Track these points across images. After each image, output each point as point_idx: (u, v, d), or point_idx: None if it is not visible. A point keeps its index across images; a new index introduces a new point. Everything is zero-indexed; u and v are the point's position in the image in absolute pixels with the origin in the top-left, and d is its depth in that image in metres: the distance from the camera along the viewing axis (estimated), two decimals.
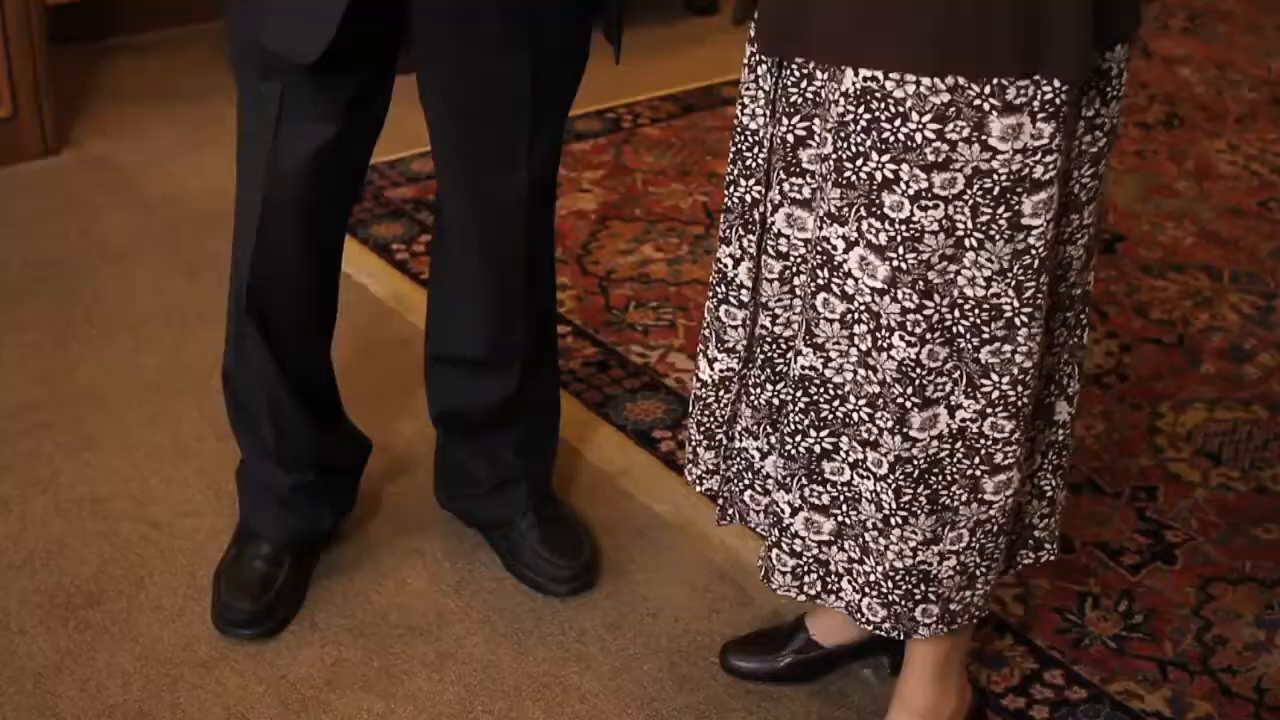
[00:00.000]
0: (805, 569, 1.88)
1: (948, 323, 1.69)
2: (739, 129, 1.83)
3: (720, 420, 1.95)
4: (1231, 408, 2.76)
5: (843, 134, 1.67)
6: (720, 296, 1.90)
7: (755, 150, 1.81)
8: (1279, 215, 3.44)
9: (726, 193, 1.87)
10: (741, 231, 1.85)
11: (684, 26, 4.30)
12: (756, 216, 1.82)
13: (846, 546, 1.84)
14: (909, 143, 1.63)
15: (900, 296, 1.69)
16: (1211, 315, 3.04)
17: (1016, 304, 1.69)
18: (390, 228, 3.19)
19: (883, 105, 1.63)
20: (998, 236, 1.66)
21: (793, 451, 1.82)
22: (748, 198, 1.83)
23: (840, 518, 1.82)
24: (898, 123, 1.63)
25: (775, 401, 1.88)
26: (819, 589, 1.88)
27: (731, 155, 1.85)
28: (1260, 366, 2.89)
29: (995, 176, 1.64)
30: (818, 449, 1.80)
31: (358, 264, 3.02)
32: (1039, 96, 1.61)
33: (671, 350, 2.83)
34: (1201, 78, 4.17)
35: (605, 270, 3.08)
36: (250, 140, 2.03)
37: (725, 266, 1.88)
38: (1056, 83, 1.61)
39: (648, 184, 3.43)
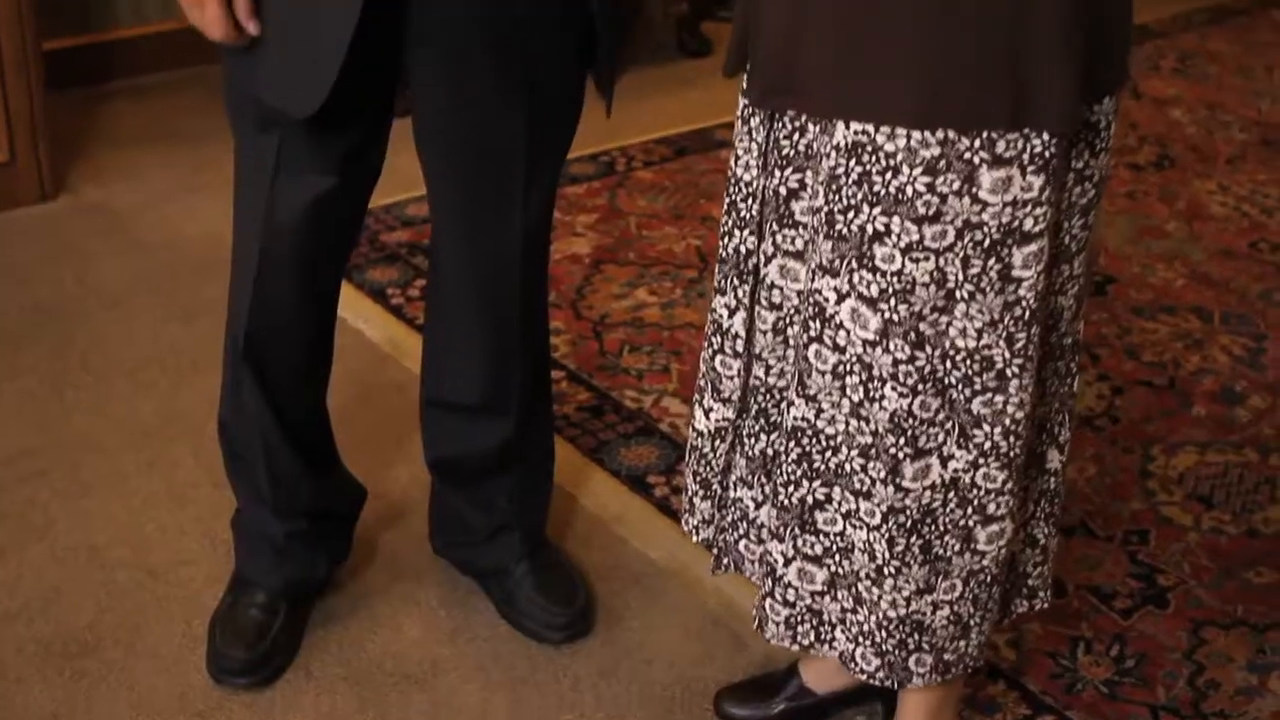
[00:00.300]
0: (799, 619, 1.88)
1: (939, 374, 1.71)
2: (733, 180, 1.84)
3: (716, 470, 1.96)
4: (1223, 450, 2.77)
5: (834, 187, 1.68)
6: (716, 347, 1.91)
7: (749, 201, 1.82)
8: (1269, 256, 3.46)
9: (721, 244, 1.88)
10: (736, 282, 1.86)
11: (677, 69, 4.32)
12: (750, 267, 1.84)
13: (840, 596, 1.84)
14: (900, 196, 1.65)
15: (892, 348, 1.70)
16: (1203, 357, 3.06)
17: (1008, 355, 1.71)
18: (386, 272, 3.20)
19: (874, 159, 1.65)
20: (989, 288, 1.67)
21: (785, 502, 1.83)
22: (742, 249, 1.85)
23: (833, 568, 1.83)
24: (889, 176, 1.65)
25: (769, 452, 1.89)
26: (813, 638, 1.89)
27: (726, 206, 1.87)
28: (1251, 409, 2.90)
29: (986, 229, 1.65)
30: (810, 499, 1.81)
31: (353, 309, 3.03)
32: (1028, 150, 1.63)
33: (665, 395, 2.84)
34: (1192, 119, 4.20)
35: (599, 315, 3.09)
36: (247, 190, 2.04)
37: (720, 317, 1.90)
38: (1046, 136, 1.63)
39: (641, 227, 3.44)
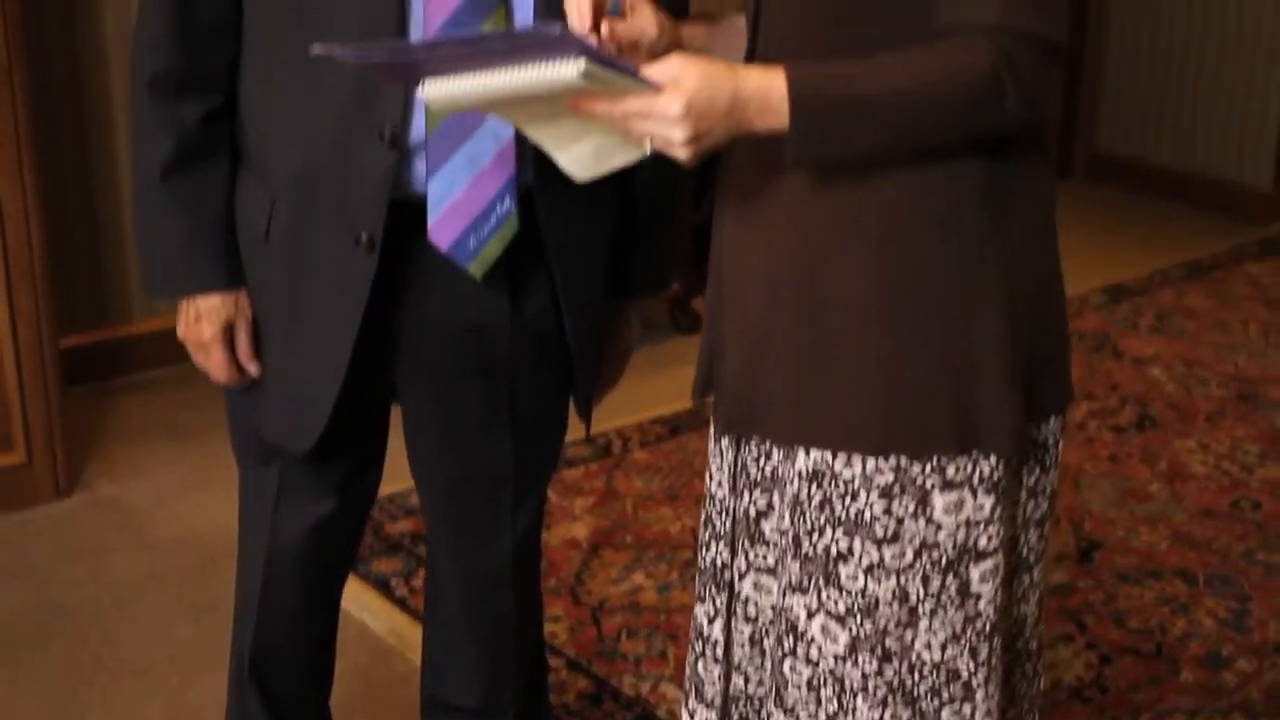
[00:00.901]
0: None
1: (908, 685, 1.79)
2: (708, 495, 1.95)
3: None
4: (1211, 717, 2.82)
5: (799, 511, 1.78)
6: (698, 652, 1.99)
7: (722, 516, 1.92)
8: (1250, 515, 3.54)
9: (699, 554, 1.97)
10: (714, 591, 1.95)
11: (670, 347, 4.43)
12: (726, 580, 1.93)
13: None
14: (859, 519, 1.74)
15: (861, 661, 1.78)
16: (1188, 621, 3.12)
17: (972, 667, 1.79)
18: (389, 563, 3.28)
19: (833, 484, 1.75)
20: (949, 604, 1.76)
21: None
22: (717, 561, 1.94)
23: None
24: (848, 500, 1.75)
25: None
26: None
27: (703, 518, 1.97)
28: (1237, 673, 2.95)
29: (942, 548, 1.74)
30: None
31: (357, 600, 3.10)
32: (978, 472, 1.73)
33: (663, 680, 2.90)
34: (1171, 376, 4.31)
35: (598, 600, 3.16)
36: (251, 517, 2.15)
37: (701, 624, 1.98)
38: (994, 458, 1.74)
39: (638, 509, 3.53)
